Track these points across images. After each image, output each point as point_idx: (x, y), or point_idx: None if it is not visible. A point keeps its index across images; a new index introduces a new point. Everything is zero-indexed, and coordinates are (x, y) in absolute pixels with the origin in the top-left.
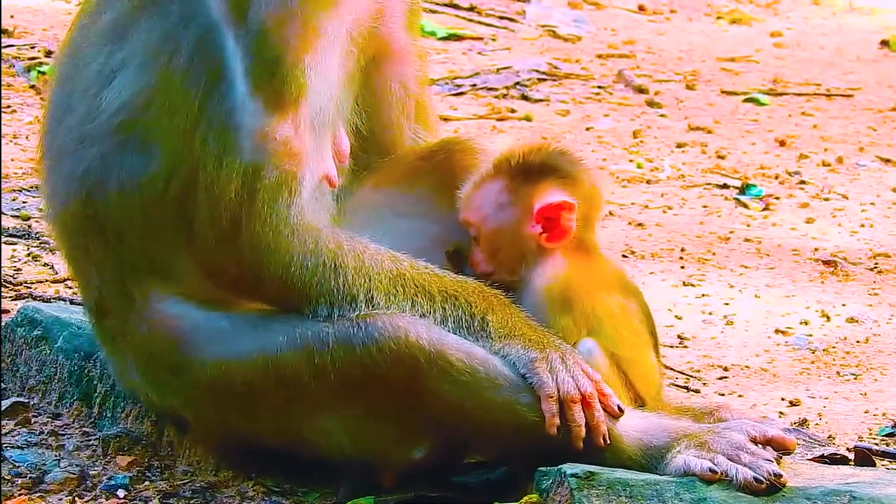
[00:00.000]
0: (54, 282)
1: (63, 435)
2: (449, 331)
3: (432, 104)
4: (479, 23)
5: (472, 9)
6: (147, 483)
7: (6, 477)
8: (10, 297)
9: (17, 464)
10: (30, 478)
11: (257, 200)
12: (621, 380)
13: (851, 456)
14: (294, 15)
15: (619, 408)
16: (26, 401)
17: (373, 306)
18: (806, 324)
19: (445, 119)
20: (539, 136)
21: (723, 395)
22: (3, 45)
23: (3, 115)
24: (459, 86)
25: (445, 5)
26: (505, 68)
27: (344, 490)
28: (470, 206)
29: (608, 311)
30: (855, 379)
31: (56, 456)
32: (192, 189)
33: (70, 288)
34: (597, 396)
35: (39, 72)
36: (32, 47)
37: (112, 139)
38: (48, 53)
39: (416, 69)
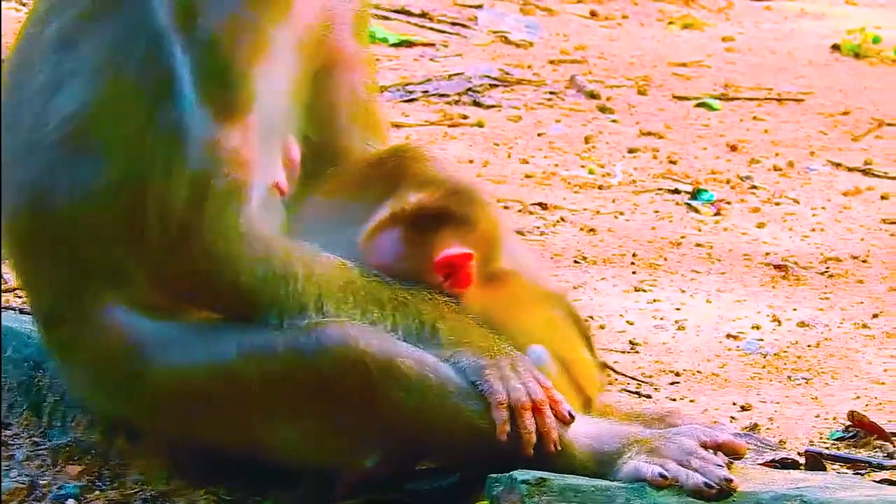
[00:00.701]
0: (4, 291)
1: (12, 445)
2: (399, 339)
3: (382, 112)
4: (431, 29)
5: (423, 15)
6: (98, 492)
7: None
8: None
9: None
10: None
11: (207, 209)
12: (567, 383)
13: (802, 460)
14: (243, 23)
15: (570, 414)
16: None
17: (323, 314)
18: (757, 328)
19: (397, 126)
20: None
21: (674, 400)
22: None
23: None
24: (411, 92)
25: (397, 12)
26: (457, 74)
27: (296, 498)
28: (370, 253)
29: (534, 325)
30: (806, 383)
31: (6, 466)
32: (142, 198)
33: (20, 297)
34: (547, 403)
35: None
36: None
37: (60, 149)
38: None
39: (366, 77)
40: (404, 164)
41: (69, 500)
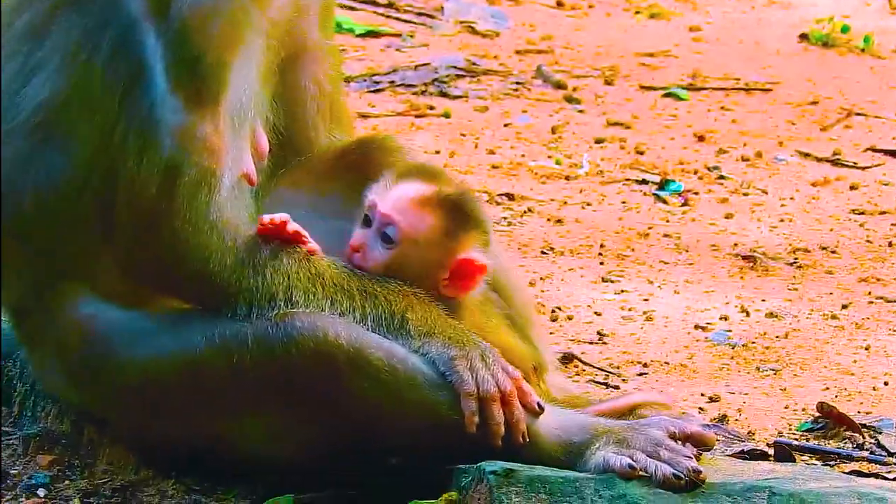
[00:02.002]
0: None
1: None
2: (368, 329)
3: (347, 103)
4: (397, 19)
5: (390, 5)
6: (67, 482)
7: None
8: None
9: None
10: None
11: (177, 197)
12: None
13: (771, 451)
14: (215, 11)
15: (538, 405)
16: None
17: (291, 305)
18: (725, 319)
19: (364, 116)
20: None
21: (642, 391)
22: None
23: None
24: (378, 83)
25: (363, 2)
26: (423, 65)
27: (262, 487)
28: (402, 213)
29: (465, 311)
30: (774, 374)
31: None
32: (112, 186)
33: None
34: (516, 394)
35: None
36: None
37: (30, 138)
38: None
39: (331, 68)
40: (371, 155)
41: (39, 489)
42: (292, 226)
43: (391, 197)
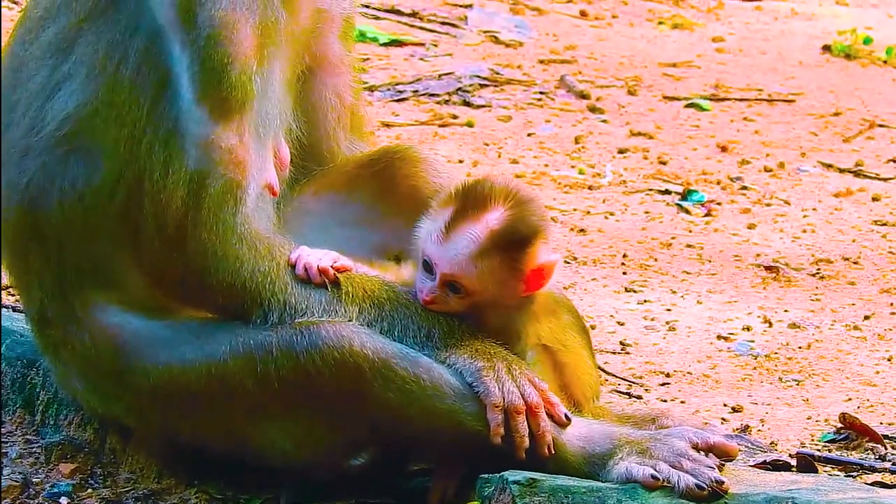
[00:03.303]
0: None
1: (6, 442)
2: (395, 339)
3: (367, 114)
4: (421, 28)
5: (414, 14)
6: (90, 490)
7: None
8: None
9: None
10: None
11: (203, 208)
12: (562, 386)
13: (793, 462)
14: (241, 22)
15: (566, 417)
16: None
17: (318, 315)
18: (748, 330)
19: (387, 125)
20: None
21: (665, 401)
22: None
23: None
24: (401, 92)
25: (387, 11)
26: (447, 74)
27: (285, 496)
28: (461, 268)
29: (548, 327)
30: (797, 385)
31: None
32: (138, 197)
33: (13, 295)
34: (543, 406)
35: None
36: None
37: (56, 150)
38: None
39: (351, 79)
40: (394, 166)
41: (62, 497)
42: (341, 263)
43: (447, 256)
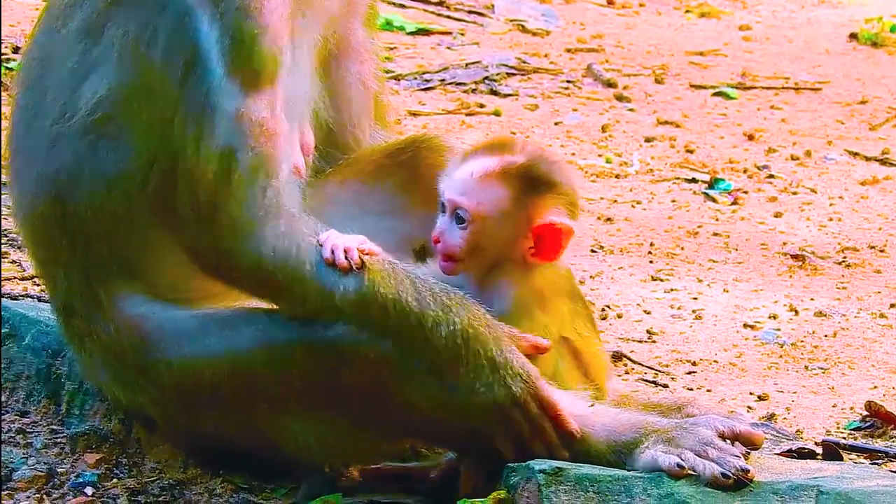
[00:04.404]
0: (22, 279)
1: (31, 433)
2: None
3: (390, 103)
4: (448, 17)
5: (440, 3)
6: (115, 480)
7: None
8: None
9: None
10: None
11: (234, 182)
12: (584, 375)
13: (819, 450)
14: None
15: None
16: None
17: (343, 297)
18: (774, 318)
19: (414, 114)
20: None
21: (691, 389)
22: None
23: None
24: (428, 80)
25: (414, 0)
26: (474, 63)
27: (305, 487)
28: (466, 193)
29: (563, 313)
30: (823, 373)
31: (24, 454)
32: (172, 177)
33: (38, 285)
34: (549, 428)
35: (7, 68)
36: None
37: (87, 137)
38: (16, 49)
39: (375, 67)
40: (421, 155)
41: (87, 487)
42: (368, 247)
43: (455, 178)
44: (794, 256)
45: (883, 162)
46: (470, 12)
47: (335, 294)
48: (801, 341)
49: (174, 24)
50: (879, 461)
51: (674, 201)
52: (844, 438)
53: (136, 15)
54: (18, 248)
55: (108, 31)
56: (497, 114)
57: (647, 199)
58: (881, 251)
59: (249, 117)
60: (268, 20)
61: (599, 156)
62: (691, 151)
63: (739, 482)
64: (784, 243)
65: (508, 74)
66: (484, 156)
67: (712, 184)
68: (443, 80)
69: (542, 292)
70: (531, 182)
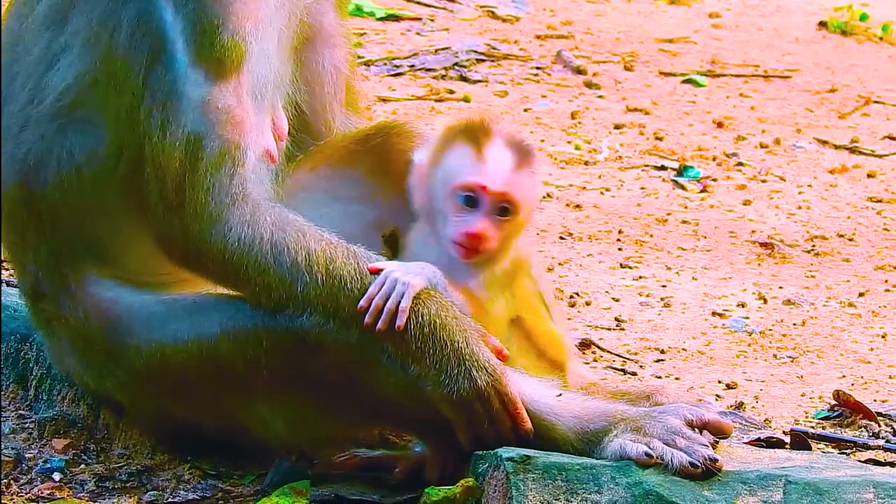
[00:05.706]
0: None
1: None
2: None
3: (361, 89)
4: (418, 3)
5: None
6: (83, 466)
7: None
8: None
9: None
10: None
11: (200, 169)
12: (538, 355)
13: (787, 439)
14: None
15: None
16: None
17: (308, 285)
18: (743, 306)
19: (384, 100)
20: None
21: (659, 377)
22: None
23: None
24: (398, 66)
25: None
26: (443, 49)
27: (273, 474)
28: (511, 185)
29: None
30: (792, 362)
31: None
32: (140, 164)
33: (7, 270)
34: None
35: None
36: None
37: (55, 122)
38: None
39: (346, 52)
40: (391, 141)
41: (55, 473)
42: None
43: (497, 174)
44: (763, 244)
45: (852, 150)
46: None
47: (297, 285)
48: (770, 330)
49: (138, 12)
50: (848, 451)
51: (643, 188)
52: (813, 428)
53: (100, 4)
54: None
55: (73, 19)
56: (466, 100)
57: (616, 186)
58: (850, 240)
59: (215, 105)
60: (232, 8)
61: (568, 142)
62: (660, 139)
63: (708, 471)
64: (753, 231)
65: (478, 61)
66: (491, 145)
67: (681, 171)
68: (412, 66)
69: (510, 271)
70: (532, 151)
